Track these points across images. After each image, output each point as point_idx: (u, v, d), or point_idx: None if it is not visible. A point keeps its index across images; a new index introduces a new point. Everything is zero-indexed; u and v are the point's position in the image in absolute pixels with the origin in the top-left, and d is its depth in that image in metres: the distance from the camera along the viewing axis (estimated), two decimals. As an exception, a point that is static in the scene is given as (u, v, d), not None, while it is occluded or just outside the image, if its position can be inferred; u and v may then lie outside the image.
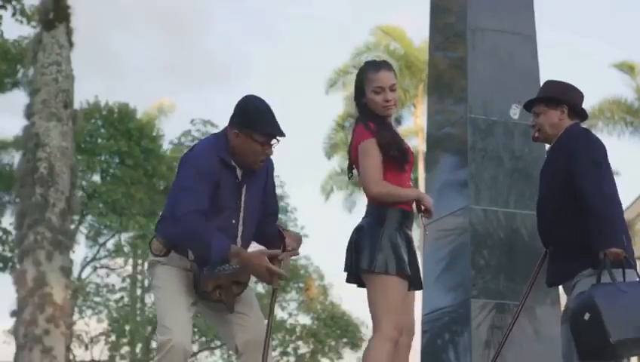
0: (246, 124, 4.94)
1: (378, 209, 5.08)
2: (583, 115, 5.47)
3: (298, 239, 5.17)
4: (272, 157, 5.10)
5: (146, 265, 28.23)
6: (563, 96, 5.39)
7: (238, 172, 5.02)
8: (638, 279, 5.06)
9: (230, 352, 5.17)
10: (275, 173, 5.31)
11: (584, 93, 5.48)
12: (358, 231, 5.12)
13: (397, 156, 5.09)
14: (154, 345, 25.28)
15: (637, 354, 5.16)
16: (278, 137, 4.98)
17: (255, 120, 4.94)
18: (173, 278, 4.98)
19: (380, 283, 4.98)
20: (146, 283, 28.78)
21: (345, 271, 5.18)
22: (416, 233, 21.27)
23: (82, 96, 32.44)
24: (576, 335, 5.00)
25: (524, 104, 5.57)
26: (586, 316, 4.93)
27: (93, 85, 56.32)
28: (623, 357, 5.08)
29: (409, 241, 5.12)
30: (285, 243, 5.08)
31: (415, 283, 5.17)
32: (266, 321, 5.13)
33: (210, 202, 4.89)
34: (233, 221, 4.99)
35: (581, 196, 5.10)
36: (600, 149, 5.24)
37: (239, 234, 5.01)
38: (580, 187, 5.12)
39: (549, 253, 5.32)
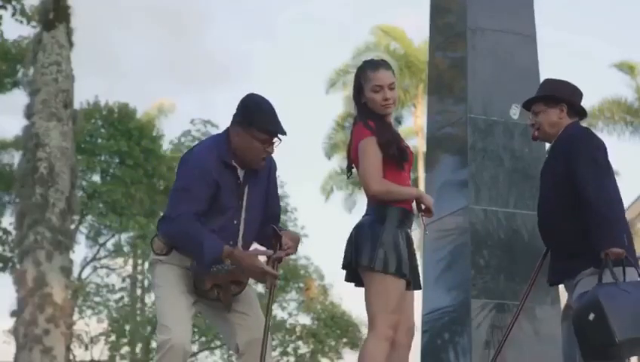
0: (248, 122, 4.93)
1: (378, 207, 5.09)
2: (582, 113, 5.46)
3: (296, 238, 5.09)
4: (272, 156, 5.10)
5: (146, 264, 28.27)
6: (562, 95, 5.37)
7: (240, 172, 4.99)
8: (639, 278, 5.07)
9: (230, 352, 5.12)
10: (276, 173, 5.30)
11: (584, 93, 5.48)
12: (359, 228, 5.12)
13: (396, 155, 5.11)
14: (154, 344, 25.27)
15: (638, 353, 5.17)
16: (279, 136, 4.95)
17: (257, 118, 4.93)
18: (173, 277, 4.95)
19: (379, 282, 4.98)
20: (146, 283, 28.76)
21: (343, 267, 5.17)
22: (415, 233, 21.25)
23: (82, 96, 32.41)
24: (581, 336, 5.00)
25: (523, 103, 5.57)
26: (591, 316, 4.93)
27: (93, 85, 56.31)
28: (626, 356, 5.11)
29: (409, 241, 5.14)
30: (282, 243, 5.01)
31: (414, 284, 5.18)
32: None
33: (210, 202, 4.88)
34: (235, 221, 4.97)
35: (583, 196, 5.09)
36: (600, 148, 5.24)
37: (240, 234, 4.99)
38: (582, 187, 5.11)
39: (550, 252, 5.32)
